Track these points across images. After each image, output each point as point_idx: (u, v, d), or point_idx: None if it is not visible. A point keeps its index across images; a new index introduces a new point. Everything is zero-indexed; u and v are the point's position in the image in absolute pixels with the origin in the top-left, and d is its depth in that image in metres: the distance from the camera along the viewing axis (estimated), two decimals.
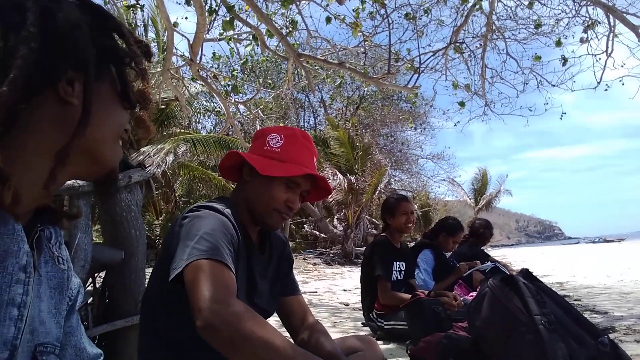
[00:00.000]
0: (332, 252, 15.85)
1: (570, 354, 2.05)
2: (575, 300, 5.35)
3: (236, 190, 1.56)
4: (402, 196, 3.97)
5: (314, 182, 1.54)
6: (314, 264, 13.62)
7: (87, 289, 2.35)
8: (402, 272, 3.76)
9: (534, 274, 2.51)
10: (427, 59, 6.91)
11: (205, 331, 1.08)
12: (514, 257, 18.70)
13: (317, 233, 17.02)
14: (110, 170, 0.80)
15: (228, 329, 1.06)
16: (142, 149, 10.64)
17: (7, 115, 0.61)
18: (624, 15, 6.03)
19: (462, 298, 3.54)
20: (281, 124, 14.78)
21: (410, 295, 3.42)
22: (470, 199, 27.86)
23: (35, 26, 0.65)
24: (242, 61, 8.00)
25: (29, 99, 0.65)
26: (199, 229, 1.27)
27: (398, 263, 3.75)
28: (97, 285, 2.40)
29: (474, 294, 3.62)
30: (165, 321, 1.37)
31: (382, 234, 3.87)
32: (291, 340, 1.28)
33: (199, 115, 17.58)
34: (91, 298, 2.31)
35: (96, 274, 2.39)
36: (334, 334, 1.79)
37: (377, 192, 15.60)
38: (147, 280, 2.44)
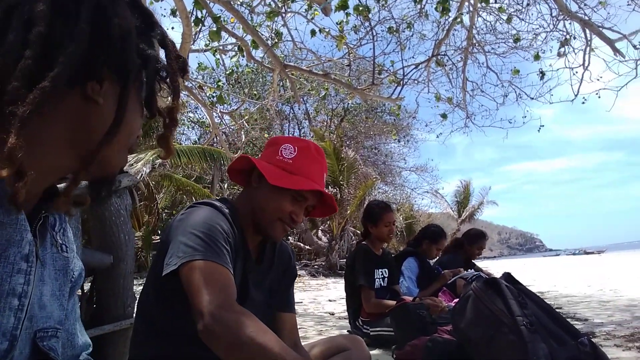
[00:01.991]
0: (316, 263, 15.84)
1: (552, 353, 2.10)
2: (557, 308, 5.42)
3: (242, 195, 1.55)
4: (386, 205, 3.96)
5: (321, 198, 1.52)
6: (299, 275, 13.59)
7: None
8: (385, 278, 3.79)
9: None
10: (410, 72, 7.03)
11: (205, 335, 1.09)
12: (496, 269, 18.83)
13: (302, 245, 17.00)
14: (110, 175, 0.78)
15: (228, 334, 1.08)
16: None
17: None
18: (600, 29, 6.22)
19: (446, 304, 3.58)
20: (266, 135, 14.81)
21: (394, 302, 3.45)
22: (453, 211, 28.09)
23: (87, 23, 0.64)
24: (227, 72, 8.03)
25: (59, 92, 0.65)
26: (194, 225, 1.27)
27: (380, 270, 3.77)
28: (85, 290, 2.40)
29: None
30: (160, 315, 1.38)
31: (363, 242, 3.88)
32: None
33: (183, 126, 17.52)
34: (79, 302, 2.30)
35: (85, 278, 2.38)
36: None
37: (364, 204, 15.67)
38: (135, 285, 2.45)
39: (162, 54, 0.78)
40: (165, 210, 14.44)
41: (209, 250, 1.22)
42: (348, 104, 18.74)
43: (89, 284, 2.43)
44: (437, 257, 4.82)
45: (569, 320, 4.31)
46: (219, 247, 1.25)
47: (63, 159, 0.69)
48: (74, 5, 0.64)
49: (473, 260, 5.27)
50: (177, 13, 5.29)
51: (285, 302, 1.62)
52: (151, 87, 0.77)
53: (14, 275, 0.66)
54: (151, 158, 10.55)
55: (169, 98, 0.79)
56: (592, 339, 3.29)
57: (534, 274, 14.54)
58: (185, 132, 18.56)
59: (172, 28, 7.04)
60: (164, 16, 6.42)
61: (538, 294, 2.55)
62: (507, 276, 2.53)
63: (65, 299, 0.82)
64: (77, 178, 0.69)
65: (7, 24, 0.61)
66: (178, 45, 5.48)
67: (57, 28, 0.62)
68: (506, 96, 8.55)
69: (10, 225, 0.65)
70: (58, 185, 0.77)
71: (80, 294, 2.35)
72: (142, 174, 10.28)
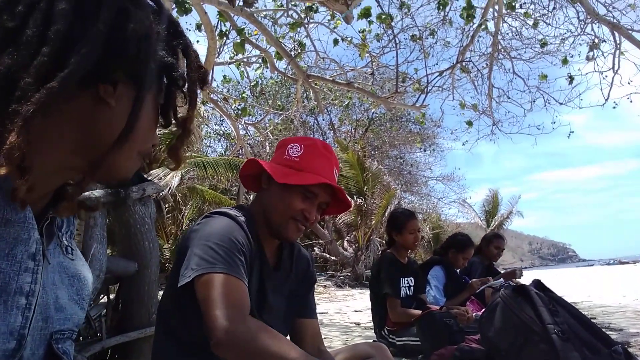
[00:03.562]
0: (342, 274, 15.73)
1: None
2: (591, 318, 5.23)
3: (254, 200, 1.55)
4: (411, 213, 3.92)
5: (334, 194, 1.49)
6: (325, 286, 13.53)
7: (101, 300, 2.37)
8: (411, 287, 3.73)
9: None
10: (434, 79, 6.99)
11: (218, 349, 1.11)
12: (527, 280, 18.42)
13: (327, 256, 16.92)
14: (121, 179, 0.75)
15: (241, 347, 1.09)
16: (152, 172, 10.73)
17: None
18: (630, 32, 6.07)
19: (474, 314, 3.50)
20: None
21: (420, 311, 3.39)
22: (481, 221, 27.59)
23: (105, 25, 0.63)
24: (252, 84, 8.12)
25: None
26: (209, 236, 1.27)
27: (406, 279, 3.71)
28: (111, 297, 2.42)
29: None
30: (177, 324, 1.38)
31: (388, 250, 3.84)
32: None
33: (209, 139, 17.77)
34: (105, 309, 2.34)
35: (110, 286, 2.41)
36: None
37: (387, 214, 15.53)
38: (160, 292, 2.47)
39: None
40: (192, 222, 14.57)
41: (223, 263, 1.22)
42: (372, 113, 18.72)
43: (114, 291, 2.46)
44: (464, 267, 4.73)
45: (603, 330, 4.18)
46: (233, 259, 1.25)
47: (71, 159, 0.69)
48: (95, 7, 0.63)
49: (495, 263, 5.17)
50: (202, 27, 5.38)
51: (305, 308, 1.61)
52: (168, 95, 0.76)
53: (21, 274, 0.65)
54: (180, 171, 10.69)
55: (185, 108, 0.77)
56: (628, 349, 3.18)
57: (567, 285, 14.14)
58: (211, 144, 18.82)
59: (197, 42, 7.17)
60: (189, 30, 6.55)
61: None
62: (537, 283, 2.47)
63: (85, 302, 0.82)
64: (83, 183, 0.68)
65: (27, 19, 0.61)
66: (203, 59, 5.58)
67: (76, 28, 0.62)
68: (534, 102, 8.40)
69: (18, 223, 0.65)
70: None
71: (106, 301, 2.38)
72: (170, 188, 10.42)
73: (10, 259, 0.64)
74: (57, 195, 0.74)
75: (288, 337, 1.55)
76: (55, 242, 0.77)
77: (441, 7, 6.16)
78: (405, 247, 3.75)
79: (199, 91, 0.79)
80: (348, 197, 1.54)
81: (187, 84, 0.76)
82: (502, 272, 4.96)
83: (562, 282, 16.74)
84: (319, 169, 1.45)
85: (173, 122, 0.79)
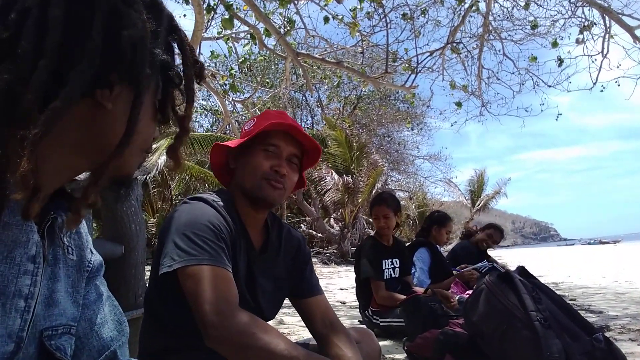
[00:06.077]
0: (328, 251, 15.85)
1: (566, 349, 2.07)
2: (571, 300, 5.38)
3: (231, 182, 1.54)
4: (378, 199, 3.89)
5: (299, 145, 1.47)
6: None
7: None
8: (396, 268, 3.75)
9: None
10: (425, 59, 6.95)
11: (213, 345, 1.13)
12: (510, 258, 18.79)
13: (314, 233, 17.01)
14: (126, 175, 0.75)
15: (233, 341, 1.11)
16: None
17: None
18: (620, 16, 6.07)
19: (458, 296, 3.55)
20: None
21: (405, 296, 3.42)
22: (466, 200, 27.85)
23: (99, 33, 0.62)
24: (240, 60, 7.99)
25: None
26: (187, 225, 1.26)
27: (390, 260, 3.73)
28: None
29: (470, 292, 3.64)
30: (162, 310, 1.39)
31: (371, 235, 3.91)
32: (295, 342, 1.24)
33: (196, 113, 17.59)
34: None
35: None
36: None
37: (374, 192, 15.61)
38: (147, 274, 2.46)
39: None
40: (179, 197, 14.53)
41: (205, 254, 1.21)
42: (361, 91, 18.62)
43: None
44: (449, 242, 4.80)
45: (583, 312, 4.26)
46: (214, 248, 1.24)
47: (72, 161, 0.69)
48: (88, 12, 0.62)
49: (485, 250, 5.25)
50: (190, 0, 5.26)
51: (306, 287, 1.58)
52: (165, 92, 0.76)
53: (20, 277, 0.65)
54: (167, 147, 10.58)
55: (182, 106, 0.77)
56: (607, 333, 3.26)
57: (548, 264, 14.44)
58: (197, 119, 18.64)
59: (184, 15, 7.02)
60: (177, 2, 6.39)
61: (552, 285, 2.54)
62: (521, 270, 2.50)
63: (79, 295, 0.81)
64: (87, 193, 0.67)
65: (20, 28, 0.59)
66: (190, 34, 5.47)
67: (71, 36, 0.60)
68: (523, 84, 8.42)
69: (16, 226, 0.65)
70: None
71: None
72: (157, 167, 10.31)
73: (8, 261, 0.64)
74: (56, 195, 0.73)
75: (281, 322, 1.56)
76: (58, 243, 0.77)
77: None
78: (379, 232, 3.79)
79: (196, 87, 0.77)
80: (313, 139, 1.48)
81: (183, 81, 0.75)
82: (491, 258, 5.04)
83: (543, 261, 17.08)
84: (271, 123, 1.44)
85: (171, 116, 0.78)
